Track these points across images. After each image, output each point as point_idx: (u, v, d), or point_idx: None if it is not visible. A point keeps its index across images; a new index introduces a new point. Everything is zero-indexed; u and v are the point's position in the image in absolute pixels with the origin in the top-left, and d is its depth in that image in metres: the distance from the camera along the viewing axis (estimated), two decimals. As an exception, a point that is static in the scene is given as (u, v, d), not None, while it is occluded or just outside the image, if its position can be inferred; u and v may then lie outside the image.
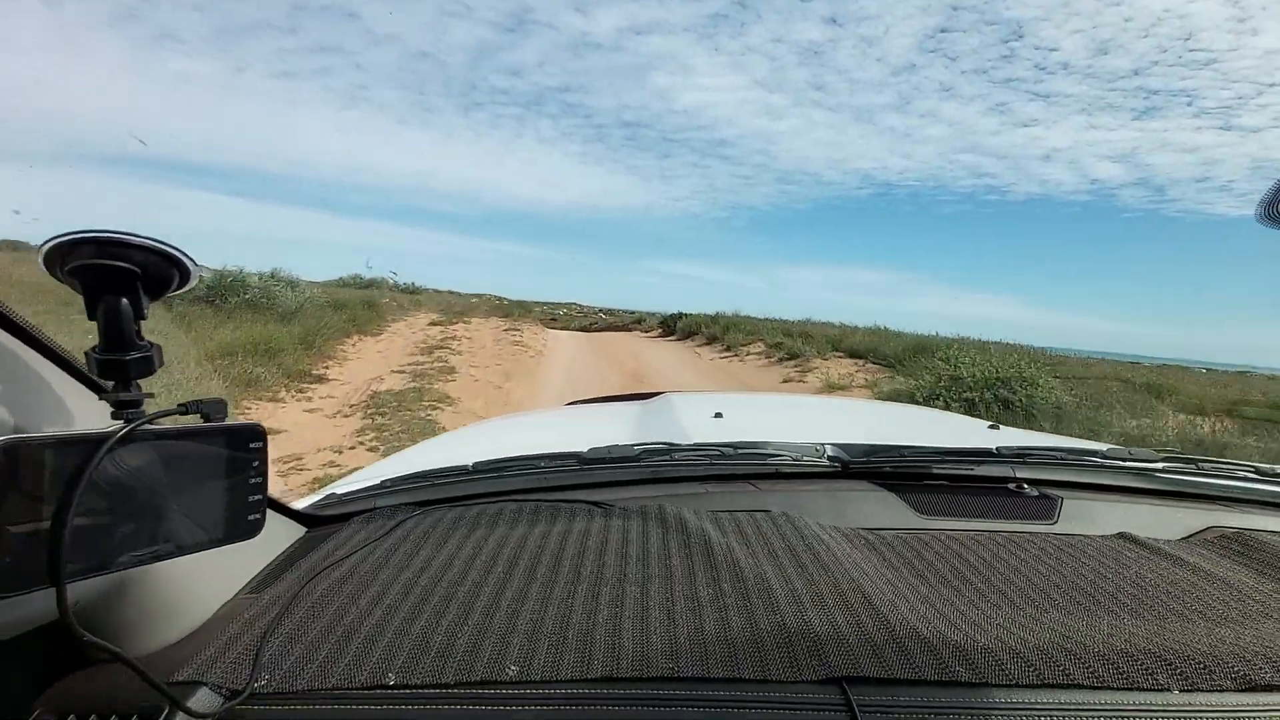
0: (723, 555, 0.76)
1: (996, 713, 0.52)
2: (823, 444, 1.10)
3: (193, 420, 0.50)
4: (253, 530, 0.54)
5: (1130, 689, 0.55)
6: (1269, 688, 0.55)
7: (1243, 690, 0.55)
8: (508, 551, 0.78)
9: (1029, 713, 0.52)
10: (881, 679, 0.55)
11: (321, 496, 1.02)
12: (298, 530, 0.88)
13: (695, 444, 1.10)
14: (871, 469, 1.05)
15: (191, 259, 0.48)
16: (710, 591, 0.68)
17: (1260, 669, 0.57)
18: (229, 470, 0.51)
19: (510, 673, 0.55)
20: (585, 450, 1.05)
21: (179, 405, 0.49)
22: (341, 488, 1.05)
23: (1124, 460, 1.09)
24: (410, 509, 0.93)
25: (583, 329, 25.70)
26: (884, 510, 0.96)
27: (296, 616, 0.62)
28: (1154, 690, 0.54)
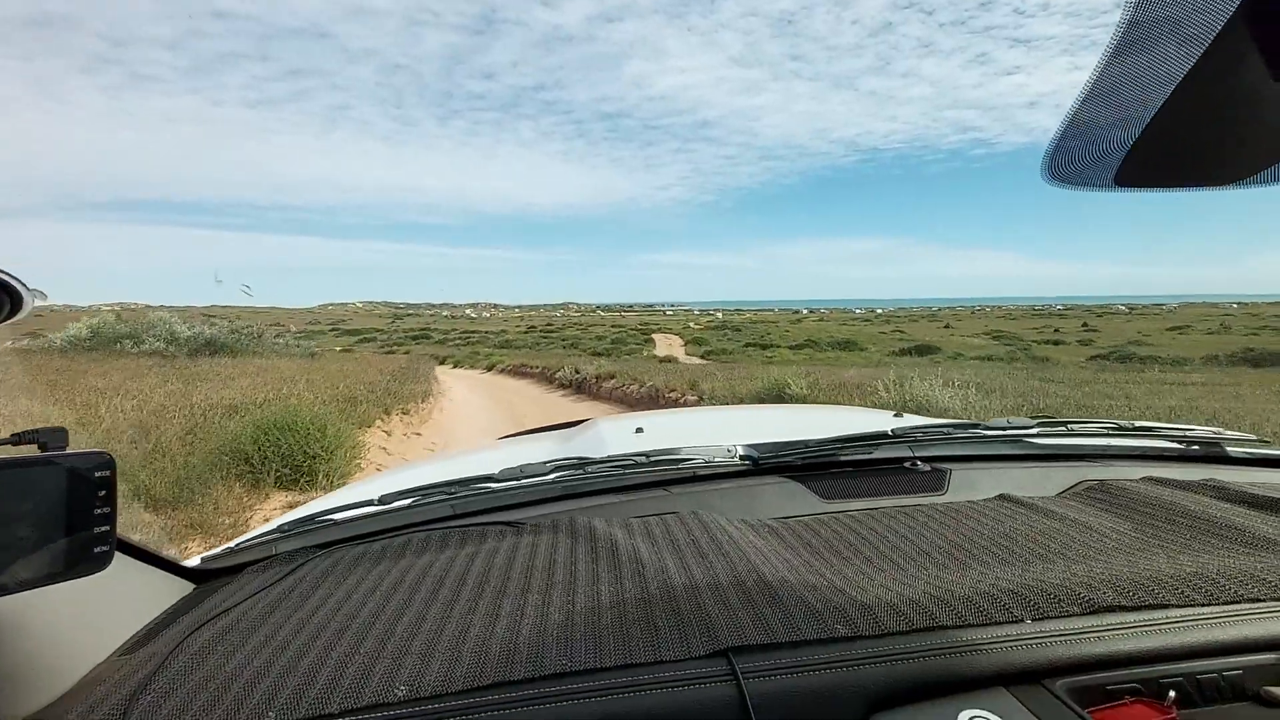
0: (627, 555, 0.78)
1: (869, 660, 0.57)
2: (735, 445, 1.14)
3: (29, 451, 0.50)
4: (99, 563, 0.55)
5: (988, 624, 0.60)
6: (1110, 608, 0.62)
7: (1087, 613, 0.62)
8: (410, 579, 0.77)
9: (898, 656, 0.57)
10: (765, 645, 0.58)
11: (215, 551, 0.96)
12: (184, 586, 0.84)
13: (608, 456, 1.12)
14: (781, 463, 1.10)
15: (24, 285, 0.49)
16: (611, 590, 0.70)
17: (1103, 593, 0.64)
18: (70, 501, 0.51)
19: (399, 693, 0.54)
20: (497, 472, 1.05)
21: (12, 435, 0.51)
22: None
23: (1004, 430, 1.20)
24: (311, 551, 0.90)
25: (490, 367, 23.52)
26: (791, 500, 1.01)
27: (172, 671, 0.59)
28: (1010, 622, 0.61)
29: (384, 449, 6.25)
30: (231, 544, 0.97)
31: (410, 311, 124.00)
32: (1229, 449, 1.18)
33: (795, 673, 0.56)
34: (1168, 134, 0.52)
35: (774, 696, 0.54)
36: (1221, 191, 0.53)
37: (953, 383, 7.05)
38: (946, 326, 57.19)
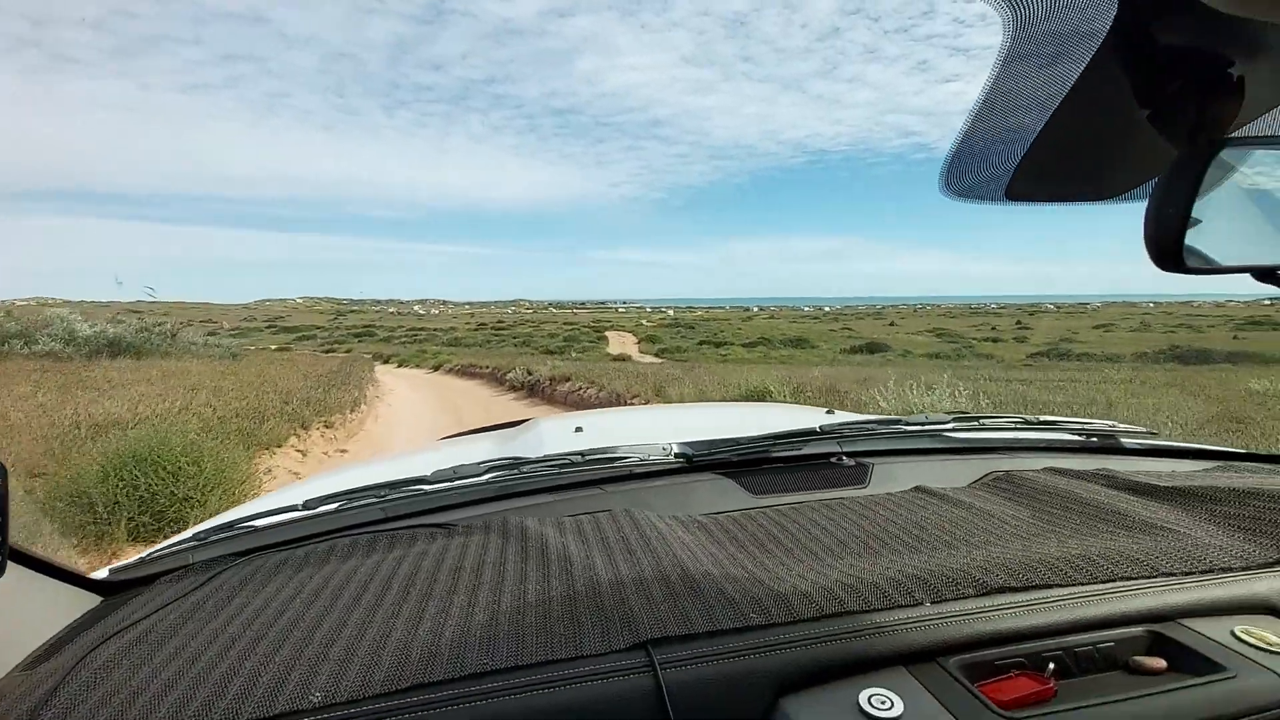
0: (556, 554, 0.78)
1: (780, 646, 0.59)
2: (670, 444, 1.15)
3: None
4: None
5: (891, 607, 0.63)
6: (1001, 589, 0.66)
7: (980, 595, 0.65)
8: (333, 584, 0.74)
9: (806, 641, 0.59)
10: (684, 635, 0.60)
11: (125, 562, 0.92)
12: (90, 599, 0.80)
13: (544, 456, 1.11)
14: (715, 461, 1.11)
15: None
16: (538, 588, 0.70)
17: (996, 576, 0.67)
18: None
19: (314, 700, 0.54)
20: (429, 474, 1.03)
21: None
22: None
23: (923, 425, 1.26)
24: (229, 559, 0.86)
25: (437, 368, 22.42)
26: (723, 496, 1.02)
27: (75, 686, 0.57)
28: (910, 605, 0.63)
29: (296, 474, 5.17)
30: (143, 554, 0.94)
31: (354, 308, 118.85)
32: (1123, 440, 1.25)
33: (710, 661, 0.58)
34: (1051, 152, 0.58)
35: (689, 685, 0.56)
36: (1103, 206, 0.58)
37: (955, 391, 6.76)
38: (891, 324, 58.83)
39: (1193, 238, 0.51)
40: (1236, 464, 1.14)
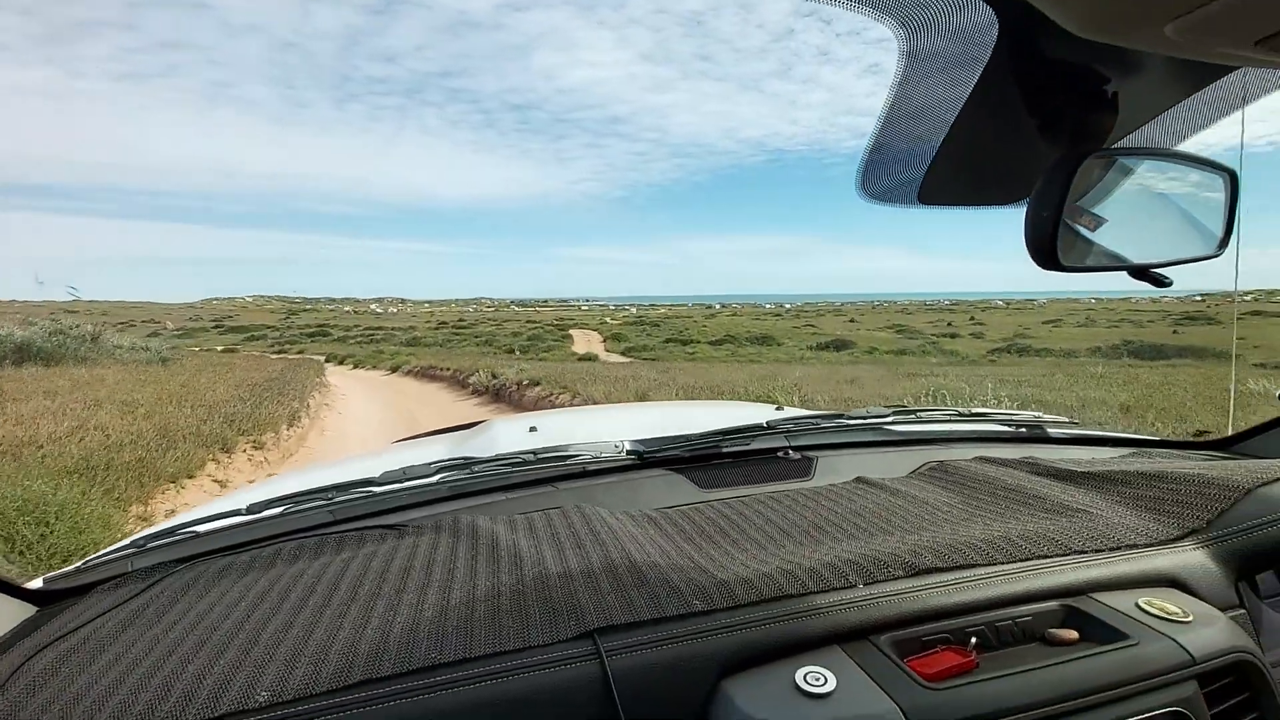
0: (507, 550, 0.79)
1: (721, 630, 0.61)
2: (622, 441, 1.16)
3: None
4: None
5: (827, 590, 0.66)
6: (929, 570, 0.69)
7: (910, 575, 0.69)
8: (279, 587, 0.74)
9: (747, 625, 0.61)
10: (630, 623, 0.61)
11: (61, 571, 0.89)
12: (25, 609, 0.78)
13: (495, 455, 1.11)
14: (666, 457, 1.13)
15: None
16: (488, 583, 0.70)
17: (924, 557, 0.71)
18: None
19: (260, 699, 0.53)
20: (378, 475, 1.02)
21: None
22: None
23: (864, 419, 1.30)
24: (170, 566, 0.84)
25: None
26: (672, 491, 1.04)
27: (11, 696, 0.56)
28: (844, 588, 0.67)
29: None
30: (79, 563, 0.92)
31: (308, 306, 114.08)
32: (1049, 430, 1.33)
33: (654, 647, 0.59)
34: (956, 159, 0.61)
35: (635, 670, 0.57)
36: (1015, 210, 0.60)
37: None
38: (851, 321, 59.57)
39: (1071, 239, 0.55)
40: (1151, 450, 1.22)
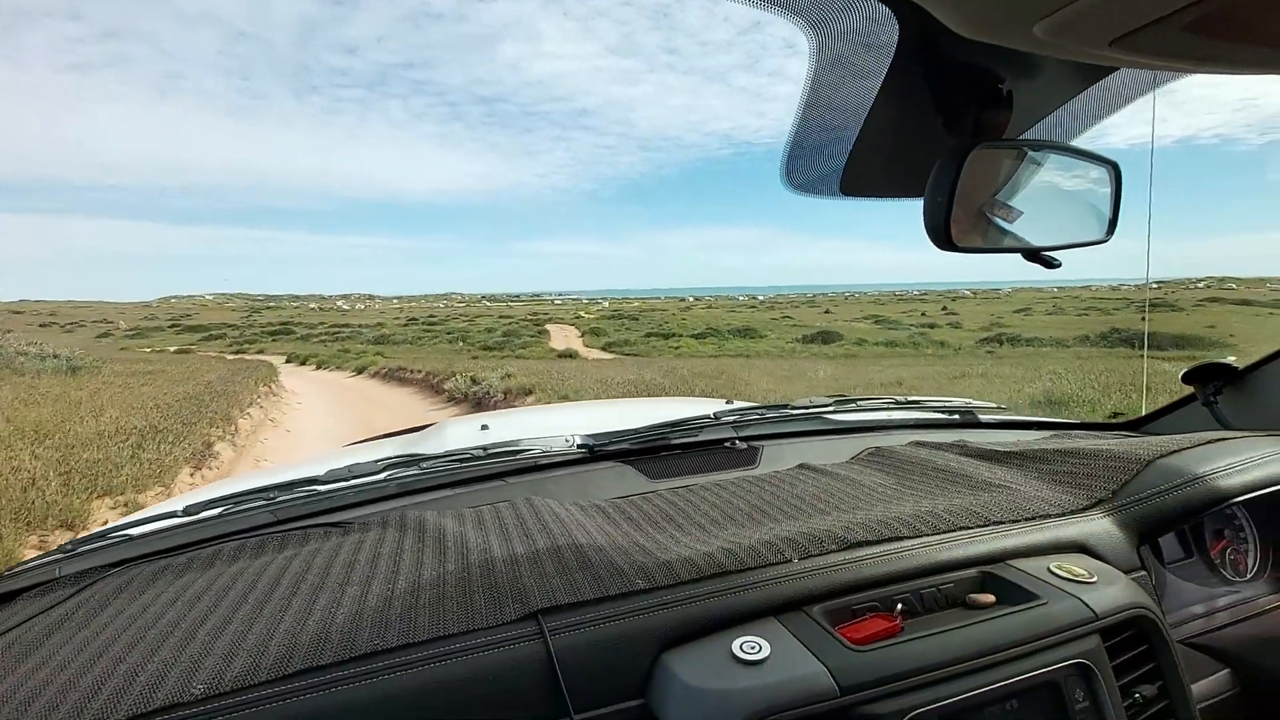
0: (454, 540, 0.79)
1: (663, 607, 0.63)
2: (572, 435, 1.19)
3: None
4: None
5: (764, 565, 0.70)
6: (859, 544, 0.74)
7: (842, 549, 0.73)
8: (218, 586, 0.73)
9: (687, 601, 0.64)
10: (573, 603, 0.63)
11: None
12: None
13: (445, 452, 1.11)
14: (616, 450, 1.16)
15: None
16: (433, 572, 0.71)
17: (855, 533, 0.76)
18: None
19: (196, 692, 0.53)
20: (322, 473, 1.01)
21: None
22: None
23: (807, 408, 1.37)
24: (102, 570, 0.82)
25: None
26: (621, 482, 1.08)
27: None
28: (780, 563, 0.70)
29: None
30: (4, 570, 0.91)
31: (271, 304, 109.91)
32: (979, 415, 1.41)
33: (597, 625, 0.61)
34: (872, 152, 0.64)
35: (578, 648, 0.59)
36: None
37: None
38: (827, 312, 59.46)
39: (967, 223, 0.59)
40: (1070, 432, 1.34)
